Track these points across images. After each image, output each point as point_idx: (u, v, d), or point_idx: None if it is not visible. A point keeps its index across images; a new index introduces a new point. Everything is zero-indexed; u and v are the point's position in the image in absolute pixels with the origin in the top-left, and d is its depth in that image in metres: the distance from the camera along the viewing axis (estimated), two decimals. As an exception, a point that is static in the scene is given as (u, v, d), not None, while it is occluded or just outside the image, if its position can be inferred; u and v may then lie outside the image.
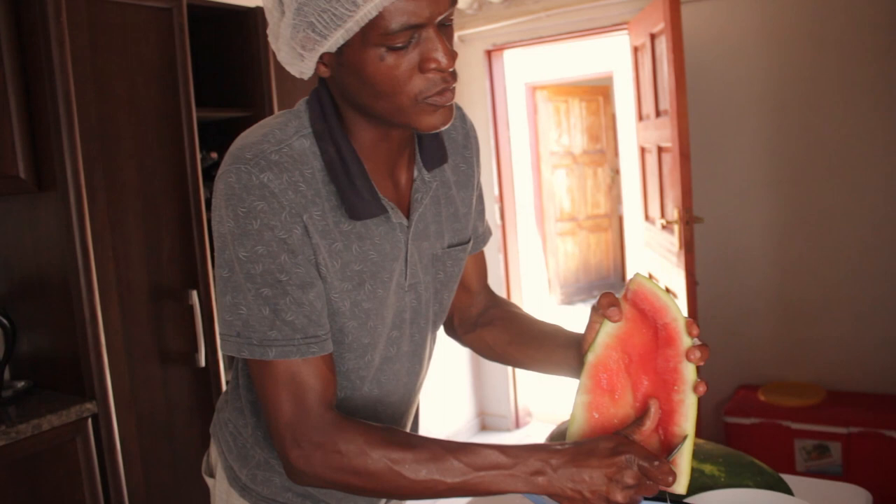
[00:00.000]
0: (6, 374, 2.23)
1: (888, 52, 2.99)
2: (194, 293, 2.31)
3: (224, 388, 2.39)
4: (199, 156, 2.34)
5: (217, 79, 2.68)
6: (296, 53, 0.95)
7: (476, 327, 1.30)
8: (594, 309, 1.03)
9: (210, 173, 2.51)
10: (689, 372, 0.97)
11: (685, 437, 0.95)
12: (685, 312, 2.90)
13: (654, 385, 0.99)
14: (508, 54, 4.23)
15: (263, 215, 0.93)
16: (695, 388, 0.96)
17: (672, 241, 3.09)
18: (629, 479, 0.89)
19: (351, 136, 1.01)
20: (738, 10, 3.29)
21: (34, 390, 2.20)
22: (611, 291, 1.02)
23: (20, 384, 2.17)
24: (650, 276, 3.67)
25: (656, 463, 0.90)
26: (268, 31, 0.99)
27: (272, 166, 0.94)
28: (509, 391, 4.33)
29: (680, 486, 0.94)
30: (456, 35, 4.02)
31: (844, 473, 2.94)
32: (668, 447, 0.97)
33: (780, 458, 3.05)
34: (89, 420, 2.06)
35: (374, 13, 0.86)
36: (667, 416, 0.97)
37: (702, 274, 3.08)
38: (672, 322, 0.98)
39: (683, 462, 0.95)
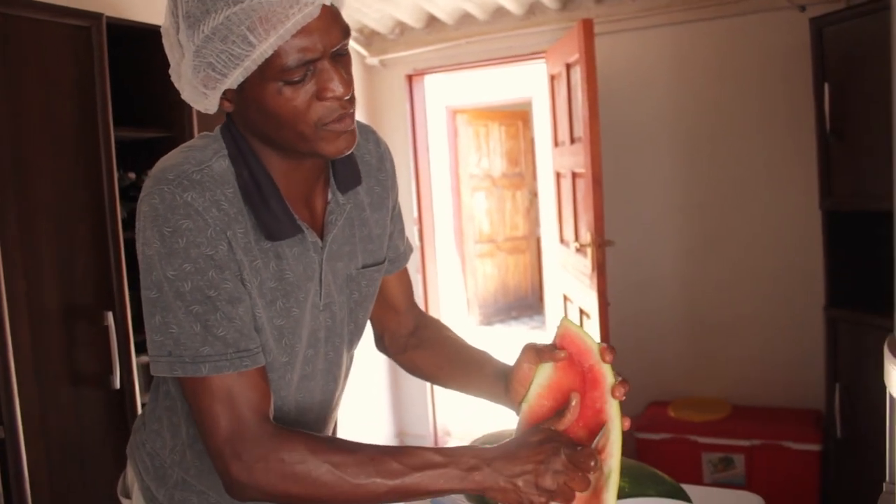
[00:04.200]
0: None
1: (782, 82, 3.19)
2: (110, 314, 2.27)
3: (140, 409, 2.35)
4: (116, 175, 2.32)
5: (137, 98, 2.64)
6: (198, 92, 0.99)
7: (407, 349, 1.34)
8: (525, 349, 1.09)
9: (128, 193, 2.47)
10: (613, 411, 1.02)
11: (610, 473, 0.99)
12: (597, 332, 3.00)
13: (585, 427, 1.03)
14: (430, 79, 4.30)
15: (189, 233, 0.96)
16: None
17: (585, 263, 3.20)
18: (557, 464, 0.94)
19: (264, 163, 1.04)
20: (650, 43, 3.46)
21: (-64, 415, 2.11)
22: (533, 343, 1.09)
23: (-79, 409, 2.09)
24: (566, 299, 3.77)
25: (580, 448, 0.97)
26: (170, 72, 1.03)
27: (195, 185, 0.97)
28: (428, 411, 4.36)
29: None
30: (377, 59, 4.08)
31: (747, 483, 3.09)
32: (597, 490, 1.00)
33: (689, 471, 3.17)
34: (-4, 446, 2.00)
35: (270, 52, 0.91)
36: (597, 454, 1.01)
37: (614, 295, 3.19)
38: (597, 364, 1.04)
39: (610, 499, 0.99)
